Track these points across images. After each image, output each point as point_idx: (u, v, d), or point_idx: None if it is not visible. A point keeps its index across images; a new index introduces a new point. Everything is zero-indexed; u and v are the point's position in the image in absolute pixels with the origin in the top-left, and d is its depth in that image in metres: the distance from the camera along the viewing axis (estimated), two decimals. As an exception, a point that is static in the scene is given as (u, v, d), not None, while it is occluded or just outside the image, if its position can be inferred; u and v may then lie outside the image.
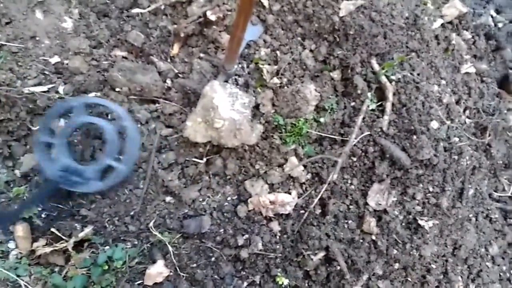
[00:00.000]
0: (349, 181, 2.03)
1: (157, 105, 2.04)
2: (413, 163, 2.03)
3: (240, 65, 2.08)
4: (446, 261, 2.13)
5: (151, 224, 1.82)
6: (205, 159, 1.95)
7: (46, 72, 1.93)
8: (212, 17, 2.09)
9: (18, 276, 1.56)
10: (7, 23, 1.96)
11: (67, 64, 1.98)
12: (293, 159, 2.00)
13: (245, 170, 1.99)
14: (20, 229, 1.64)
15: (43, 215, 1.73)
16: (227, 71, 2.00)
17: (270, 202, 1.93)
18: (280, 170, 2.00)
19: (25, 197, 1.78)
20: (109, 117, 1.94)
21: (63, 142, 1.80)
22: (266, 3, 2.19)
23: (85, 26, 2.07)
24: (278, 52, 2.12)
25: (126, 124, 1.85)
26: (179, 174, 1.95)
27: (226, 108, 1.88)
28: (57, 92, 1.93)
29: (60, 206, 1.77)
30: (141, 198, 1.87)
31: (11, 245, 1.68)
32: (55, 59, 1.98)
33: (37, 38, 1.98)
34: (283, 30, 2.16)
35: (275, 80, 2.06)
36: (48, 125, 1.82)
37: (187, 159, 1.96)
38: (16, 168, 1.87)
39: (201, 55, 2.12)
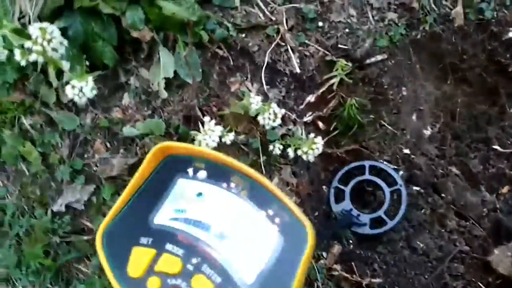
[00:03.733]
0: None
1: (467, 222, 2.30)
2: None
3: None
4: None
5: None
6: (491, 289, 2.06)
7: (398, 158, 2.51)
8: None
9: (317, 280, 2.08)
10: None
11: (413, 158, 2.51)
12: None
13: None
14: (336, 249, 2.19)
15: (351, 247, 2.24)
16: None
17: None
18: None
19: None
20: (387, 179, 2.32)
21: (350, 190, 2.29)
22: None
23: (440, 139, 2.57)
24: None
25: (401, 189, 2.24)
26: (463, 285, 2.12)
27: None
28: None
29: (361, 250, 2.25)
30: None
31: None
32: (407, 151, 2.54)
33: (405, 132, 2.59)
34: None
35: None
36: (342, 176, 2.33)
37: (473, 279, 2.12)
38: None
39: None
